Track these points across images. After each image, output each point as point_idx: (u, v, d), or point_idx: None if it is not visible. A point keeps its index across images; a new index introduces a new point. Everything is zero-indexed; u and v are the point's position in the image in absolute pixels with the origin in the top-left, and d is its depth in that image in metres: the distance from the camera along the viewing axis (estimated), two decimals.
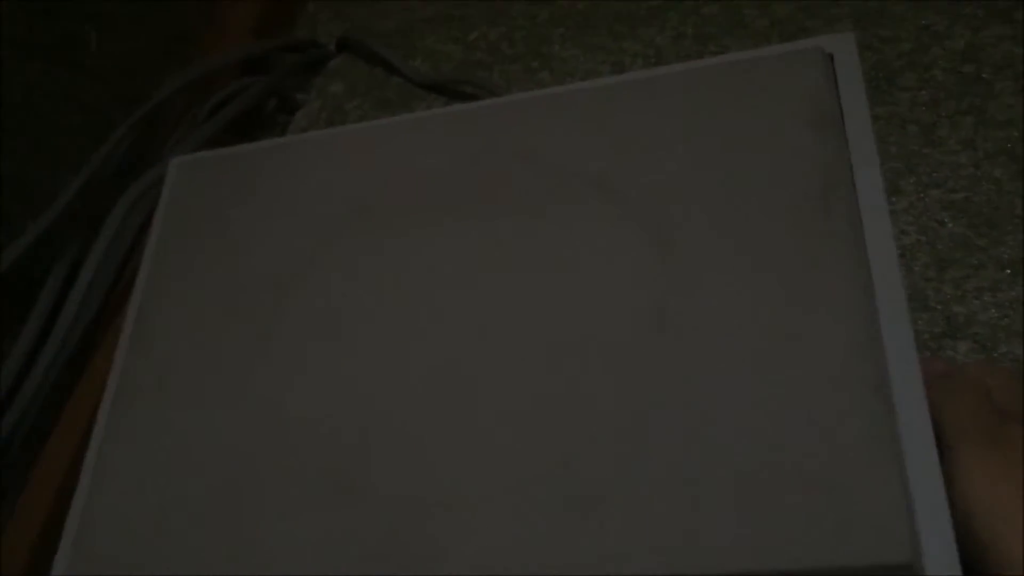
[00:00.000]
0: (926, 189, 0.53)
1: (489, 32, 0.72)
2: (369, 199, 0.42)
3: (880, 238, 0.35)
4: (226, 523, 0.36)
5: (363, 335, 0.39)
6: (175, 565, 0.35)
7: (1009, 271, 0.48)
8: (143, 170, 0.62)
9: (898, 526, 0.29)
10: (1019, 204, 0.50)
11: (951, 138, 0.55)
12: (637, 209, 0.38)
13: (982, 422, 0.33)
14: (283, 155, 0.45)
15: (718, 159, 0.38)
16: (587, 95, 0.42)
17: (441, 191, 0.42)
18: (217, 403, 0.39)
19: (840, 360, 0.32)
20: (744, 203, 0.36)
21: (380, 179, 0.43)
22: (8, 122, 0.57)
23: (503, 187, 0.41)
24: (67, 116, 0.63)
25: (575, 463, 0.33)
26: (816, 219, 0.35)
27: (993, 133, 0.54)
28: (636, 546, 0.31)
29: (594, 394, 0.34)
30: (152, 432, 0.39)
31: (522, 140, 0.42)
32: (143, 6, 0.69)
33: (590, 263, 0.37)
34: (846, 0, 0.62)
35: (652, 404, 0.33)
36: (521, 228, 0.39)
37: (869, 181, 0.35)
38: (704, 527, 0.31)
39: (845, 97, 0.38)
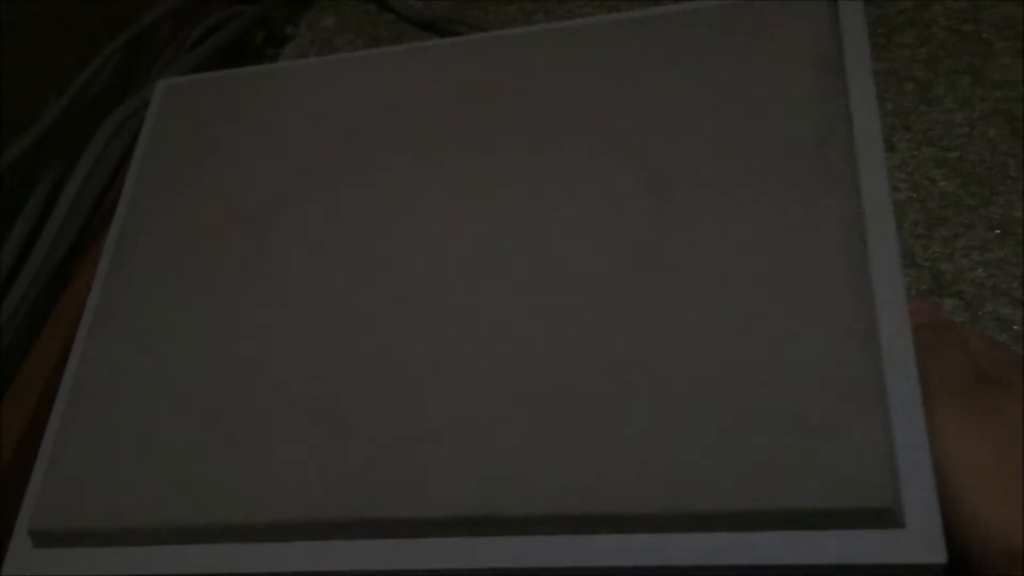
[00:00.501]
0: (920, 146, 0.53)
1: None
2: (359, 128, 0.42)
3: (876, 188, 0.34)
4: (204, 452, 0.35)
5: (349, 265, 0.38)
6: (152, 498, 0.35)
7: (999, 231, 0.48)
8: (129, 94, 0.61)
9: (879, 471, 0.29)
10: (1012, 165, 0.50)
11: (947, 96, 0.54)
12: (631, 149, 0.37)
13: (961, 381, 0.33)
14: (273, 81, 0.44)
15: (716, 101, 0.37)
16: (585, 32, 0.41)
17: (432, 123, 0.41)
18: (198, 329, 0.38)
19: (830, 307, 0.32)
20: (740, 147, 0.36)
21: (371, 108, 0.42)
22: None
23: (495, 121, 0.40)
24: (53, 37, 0.61)
25: (559, 397, 0.33)
26: (812, 166, 0.35)
27: (990, 93, 0.53)
28: (619, 481, 0.31)
29: (581, 330, 0.34)
30: (130, 357, 0.38)
31: (516, 75, 0.41)
32: None
33: (582, 200, 0.37)
34: None
35: (639, 342, 0.33)
36: (512, 163, 0.39)
37: (868, 131, 0.35)
38: (686, 463, 0.31)
39: (847, 45, 0.38)
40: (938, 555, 0.28)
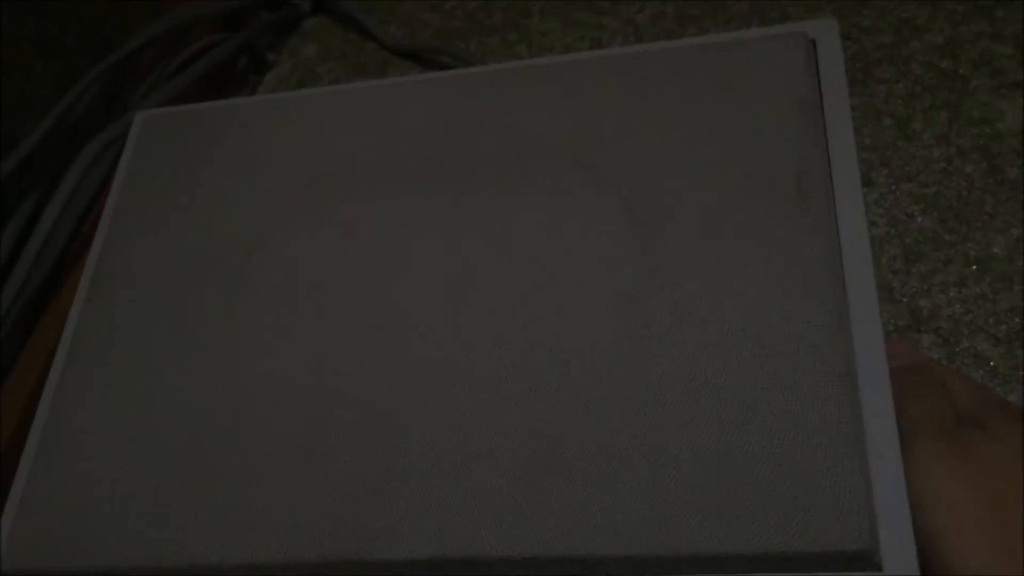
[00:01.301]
0: (898, 182, 0.53)
1: (467, 1, 0.71)
2: (339, 163, 0.41)
3: (854, 228, 0.34)
4: (179, 493, 0.35)
5: (328, 300, 0.38)
6: (125, 538, 0.34)
7: (975, 267, 0.49)
8: (111, 121, 0.61)
9: (857, 514, 0.29)
10: (989, 201, 0.51)
11: (925, 132, 0.55)
12: (612, 187, 0.37)
13: (939, 422, 0.33)
14: (254, 113, 0.44)
15: (695, 141, 0.37)
16: (567, 69, 0.42)
17: (415, 158, 0.41)
18: (174, 364, 0.38)
19: (808, 347, 0.32)
20: (719, 188, 0.36)
21: (352, 143, 0.42)
22: None
23: (477, 158, 0.40)
24: (34, 64, 0.61)
25: (538, 438, 0.33)
26: (791, 206, 0.35)
27: (967, 129, 0.54)
28: (596, 524, 0.31)
29: (560, 371, 0.34)
30: (105, 393, 0.38)
31: (499, 111, 0.41)
32: None
33: (563, 239, 0.37)
34: None
35: (618, 383, 0.33)
36: (493, 200, 0.39)
37: (846, 170, 0.35)
38: (664, 506, 0.31)
39: (826, 85, 0.38)
40: None
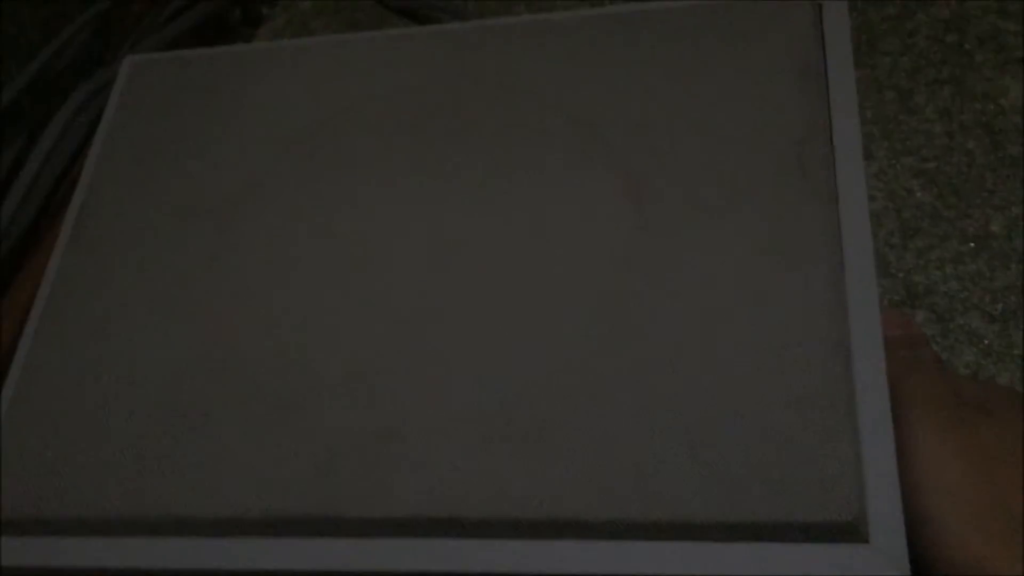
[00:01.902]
0: (898, 156, 0.52)
1: None
2: (331, 116, 0.41)
3: (854, 198, 0.34)
4: (161, 444, 0.34)
5: (314, 256, 0.37)
6: (105, 488, 0.34)
7: (973, 244, 0.48)
8: (97, 71, 0.60)
9: (844, 484, 0.29)
10: (990, 178, 0.50)
11: (928, 106, 0.54)
12: (609, 149, 0.37)
13: (937, 399, 0.32)
14: (245, 62, 0.43)
15: (696, 104, 0.37)
16: (566, 25, 0.41)
17: (409, 114, 0.40)
18: (155, 315, 0.37)
19: (801, 316, 0.32)
20: (718, 152, 0.35)
21: (346, 96, 0.41)
22: None
23: (471, 116, 0.39)
24: (22, 9, 0.60)
25: (528, 400, 0.32)
26: (791, 173, 0.34)
27: (970, 105, 0.53)
28: (584, 488, 0.30)
29: (552, 333, 0.33)
30: (85, 342, 0.37)
31: (496, 67, 0.40)
32: None
33: (557, 201, 0.36)
34: None
35: (609, 347, 0.33)
36: (488, 159, 0.38)
37: (847, 140, 0.35)
38: (652, 471, 0.30)
39: (831, 53, 0.37)
40: (902, 570, 0.28)
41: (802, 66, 0.36)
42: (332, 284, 0.36)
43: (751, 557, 0.29)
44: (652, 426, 0.31)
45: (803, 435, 0.30)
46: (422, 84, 0.40)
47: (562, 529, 0.30)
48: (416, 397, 0.33)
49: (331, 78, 0.42)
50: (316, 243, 0.37)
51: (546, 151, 0.37)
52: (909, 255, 0.49)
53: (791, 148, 0.34)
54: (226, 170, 0.40)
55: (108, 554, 0.33)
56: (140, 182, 0.41)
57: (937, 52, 0.56)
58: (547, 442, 0.31)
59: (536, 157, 0.37)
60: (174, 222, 0.39)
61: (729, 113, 0.36)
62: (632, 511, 0.30)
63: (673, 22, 0.39)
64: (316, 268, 0.37)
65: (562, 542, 0.30)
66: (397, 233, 0.37)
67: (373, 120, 0.40)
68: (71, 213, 0.41)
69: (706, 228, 0.34)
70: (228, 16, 0.71)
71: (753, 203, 0.34)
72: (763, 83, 0.36)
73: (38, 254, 0.54)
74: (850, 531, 0.28)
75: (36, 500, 0.34)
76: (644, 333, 0.32)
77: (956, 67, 0.55)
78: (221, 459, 0.33)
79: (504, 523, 0.31)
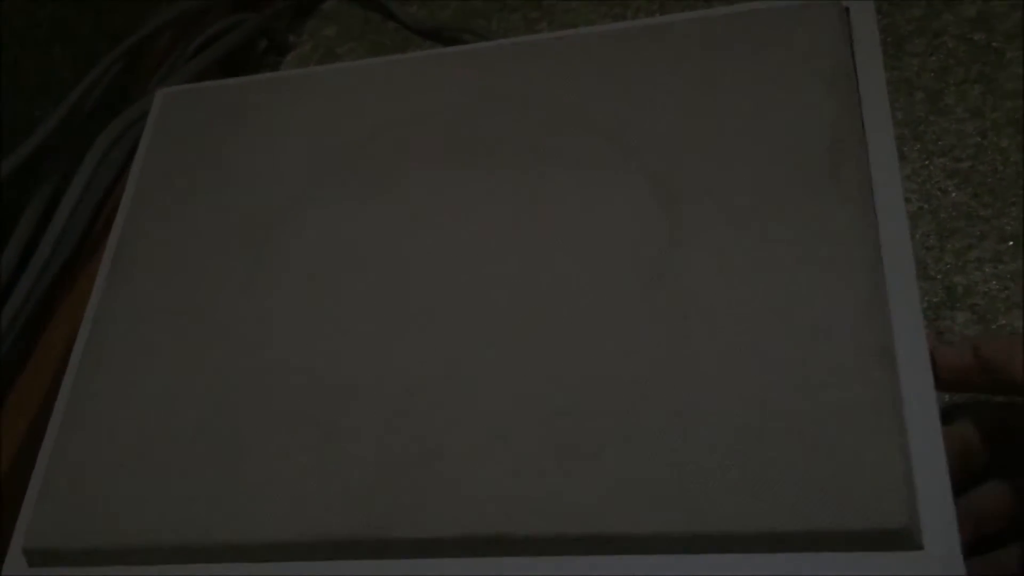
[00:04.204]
0: (931, 157, 0.52)
1: None
2: (361, 139, 0.41)
3: (890, 200, 0.33)
4: (201, 470, 0.34)
5: (351, 279, 0.37)
6: (147, 516, 0.34)
7: (1012, 243, 0.47)
8: (128, 105, 0.60)
9: (896, 491, 0.28)
10: None
11: (958, 106, 0.53)
12: (640, 160, 0.36)
13: None
14: (275, 89, 0.44)
15: (725, 111, 0.36)
16: (593, 41, 0.41)
17: (439, 133, 0.40)
18: (195, 344, 0.37)
19: (844, 323, 0.31)
20: (750, 158, 0.35)
21: (374, 119, 0.41)
22: None
23: (502, 131, 0.39)
24: (50, 48, 0.61)
25: (566, 416, 0.32)
26: (823, 178, 0.34)
27: (1001, 103, 0.52)
28: (628, 503, 0.30)
29: (586, 347, 0.33)
30: (127, 372, 0.37)
31: (524, 84, 0.40)
32: None
33: (589, 214, 0.36)
34: None
35: (648, 360, 0.32)
36: (519, 175, 0.38)
37: (881, 141, 0.34)
38: (697, 482, 0.30)
39: (859, 54, 0.37)
40: None
41: (831, 68, 0.36)
42: (366, 305, 0.36)
43: (801, 567, 0.29)
44: (696, 438, 0.31)
45: (851, 442, 0.29)
46: (451, 105, 0.41)
47: (606, 544, 0.30)
48: (457, 415, 0.33)
49: (360, 102, 0.42)
50: (350, 266, 0.38)
51: (576, 165, 0.37)
52: (947, 256, 0.48)
53: (823, 150, 0.34)
54: (259, 196, 0.40)
55: None
56: (176, 212, 0.41)
57: (965, 51, 0.55)
58: (589, 456, 0.31)
59: (566, 171, 0.37)
60: (210, 249, 0.39)
61: (759, 119, 0.36)
62: (677, 524, 0.30)
63: (698, 31, 0.39)
64: (350, 290, 0.37)
65: (607, 557, 0.30)
66: (432, 253, 0.37)
67: (403, 142, 0.40)
68: (111, 244, 0.41)
69: (739, 236, 0.34)
70: (254, 46, 0.72)
71: (787, 209, 0.34)
72: (792, 87, 0.36)
73: (74, 290, 0.54)
74: (903, 538, 0.28)
75: (78, 531, 0.34)
76: (682, 345, 0.32)
77: (985, 65, 0.54)
78: (264, 484, 0.33)
79: (550, 539, 0.30)
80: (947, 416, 0.33)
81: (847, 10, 0.38)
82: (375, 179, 0.39)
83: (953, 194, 0.50)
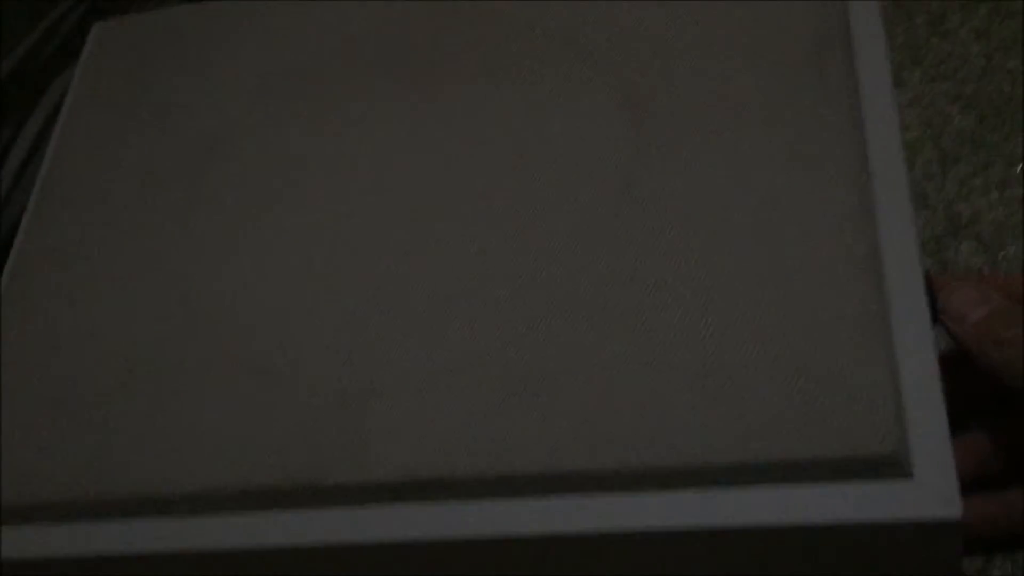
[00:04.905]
0: (932, 81, 0.48)
1: None
2: (303, 61, 0.38)
3: (878, 96, 0.30)
4: (127, 418, 0.31)
5: (290, 209, 0.34)
6: (64, 464, 0.31)
7: (1019, 168, 0.44)
8: None
9: (882, 414, 0.25)
10: None
11: (962, 28, 0.50)
12: (607, 65, 0.33)
13: None
14: (213, 17, 0.40)
15: (700, 10, 0.33)
16: None
17: (391, 52, 0.37)
18: (122, 281, 0.34)
19: (825, 230, 0.28)
20: (724, 56, 0.32)
21: (320, 37, 0.38)
22: None
23: (454, 45, 0.36)
24: None
25: (519, 343, 0.29)
26: (806, 74, 0.30)
27: (1008, 23, 0.49)
28: (582, 437, 0.27)
29: (547, 265, 0.30)
30: (47, 311, 0.34)
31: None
32: None
33: (555, 125, 0.33)
34: None
35: (614, 278, 0.29)
36: (473, 87, 0.35)
37: (868, 32, 0.31)
38: (666, 413, 0.27)
39: None
40: (952, 508, 0.24)
41: None
42: (307, 238, 0.33)
43: (779, 502, 0.25)
44: (659, 362, 0.27)
45: (832, 360, 0.26)
46: (402, 18, 0.37)
47: (563, 484, 0.27)
48: (396, 349, 0.30)
49: (302, 23, 0.39)
50: (291, 196, 0.35)
51: (536, 76, 0.34)
52: (949, 184, 0.45)
53: (806, 45, 0.31)
54: (192, 128, 0.37)
55: (75, 541, 0.31)
56: (106, 147, 0.38)
57: None
58: (542, 388, 0.28)
59: (526, 80, 0.34)
60: (140, 184, 0.37)
61: (734, 12, 0.32)
62: (641, 458, 0.26)
63: None
64: (291, 222, 0.34)
65: (563, 498, 0.27)
66: (380, 175, 0.34)
67: (351, 64, 0.37)
68: (38, 182, 0.38)
69: (712, 140, 0.30)
70: None
71: (764, 108, 0.30)
72: None
73: None
74: (891, 465, 0.25)
75: (2, 484, 0.32)
76: (647, 259, 0.29)
77: None
78: (189, 430, 0.31)
79: (498, 481, 0.27)
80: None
81: None
82: (315, 103, 0.36)
83: (956, 119, 0.47)
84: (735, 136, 0.30)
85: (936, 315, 0.29)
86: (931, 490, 0.24)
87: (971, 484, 0.28)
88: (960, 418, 0.27)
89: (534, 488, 0.27)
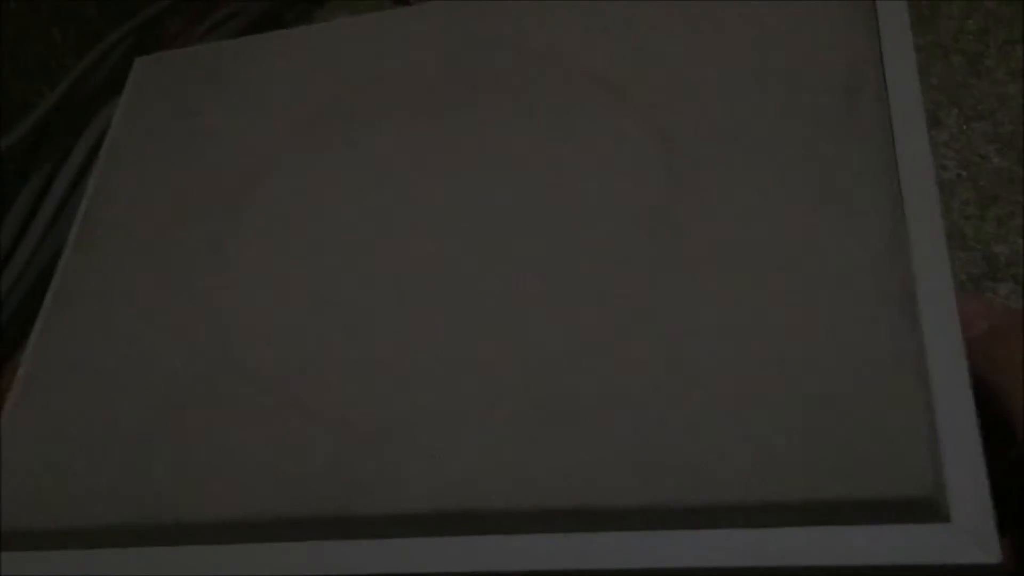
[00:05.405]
0: (969, 122, 0.48)
1: None
2: (339, 95, 0.38)
3: (911, 137, 0.30)
4: (158, 446, 0.32)
5: (323, 241, 0.35)
6: (95, 492, 0.31)
7: None
8: None
9: (918, 454, 0.24)
10: None
11: (999, 68, 0.49)
12: (637, 100, 0.33)
13: None
14: (251, 51, 0.41)
15: (731, 45, 0.33)
16: None
17: (426, 86, 0.37)
18: (157, 311, 0.35)
19: (857, 267, 0.28)
20: (757, 92, 0.32)
21: (361, 73, 0.39)
22: None
23: (493, 83, 0.36)
24: (56, 32, 0.59)
25: (554, 377, 0.29)
26: (837, 108, 0.30)
27: None
28: (617, 472, 0.27)
29: (578, 303, 0.30)
30: (88, 343, 0.35)
31: (512, 31, 0.37)
32: None
33: (585, 161, 0.33)
34: None
35: (646, 313, 0.29)
36: (510, 124, 0.35)
37: (901, 65, 0.31)
38: (695, 449, 0.26)
39: None
40: (990, 553, 0.24)
41: None
42: (341, 270, 0.34)
43: (812, 543, 0.25)
44: (692, 399, 0.27)
45: (866, 400, 0.26)
46: (437, 52, 0.38)
47: (596, 520, 0.27)
48: (426, 381, 0.30)
49: (338, 57, 0.39)
50: (326, 228, 0.35)
51: (568, 109, 0.34)
52: (988, 225, 0.44)
53: (836, 77, 0.31)
54: (231, 159, 0.38)
55: (106, 567, 0.31)
56: (145, 180, 0.39)
57: (1007, 11, 0.51)
58: (574, 422, 0.28)
59: (557, 115, 0.34)
60: (178, 217, 0.37)
61: (764, 45, 0.32)
62: (673, 496, 0.26)
63: None
64: (325, 254, 0.34)
65: (596, 535, 0.27)
66: (413, 207, 0.34)
67: (386, 96, 0.38)
68: (78, 217, 0.39)
69: (741, 175, 0.30)
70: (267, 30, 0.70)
71: (794, 143, 0.30)
72: (802, 10, 0.33)
73: None
74: (927, 508, 0.24)
75: (34, 511, 0.32)
76: (680, 296, 0.29)
77: None
78: (224, 460, 0.31)
79: (529, 515, 0.27)
80: None
81: None
82: (357, 134, 0.37)
83: (995, 160, 0.46)
84: (767, 173, 0.30)
85: None
86: (970, 535, 0.24)
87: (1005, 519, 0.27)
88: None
89: (566, 523, 0.27)
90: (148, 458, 0.32)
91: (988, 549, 0.24)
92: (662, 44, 0.34)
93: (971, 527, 0.24)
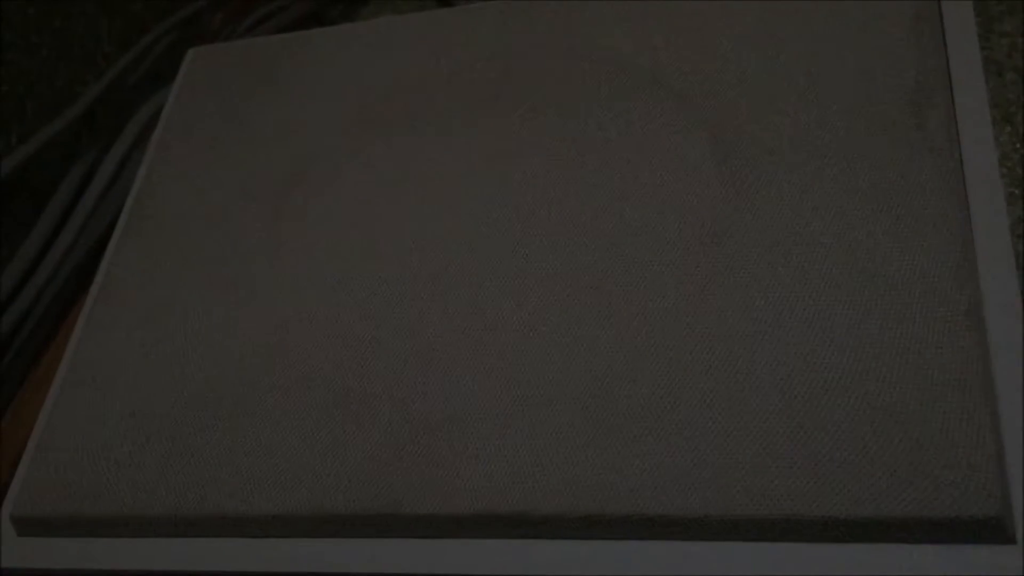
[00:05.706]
0: (1023, 140, 0.47)
1: None
2: (394, 93, 0.38)
3: (979, 148, 0.29)
4: (203, 438, 0.31)
5: (377, 237, 0.34)
6: (145, 486, 0.31)
7: None
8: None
9: (986, 474, 0.24)
10: None
11: None
12: (702, 111, 0.33)
13: None
14: (304, 46, 0.41)
15: (797, 56, 0.33)
16: None
17: (479, 83, 0.37)
18: (206, 302, 0.35)
19: (925, 282, 0.27)
20: (820, 107, 0.31)
21: (411, 70, 0.38)
22: (35, 25, 0.54)
23: (549, 83, 0.36)
24: (99, 24, 0.59)
25: (608, 383, 0.28)
26: (905, 126, 0.30)
27: None
28: (671, 481, 0.26)
29: (634, 310, 0.30)
30: (132, 336, 0.35)
31: (573, 34, 0.37)
32: None
33: (643, 165, 0.33)
34: None
35: (699, 323, 0.29)
36: (567, 129, 0.34)
37: (969, 85, 0.30)
38: (755, 462, 0.26)
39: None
40: None
41: (915, 10, 0.32)
42: (395, 266, 0.33)
43: (876, 561, 0.24)
44: (756, 412, 0.27)
45: (931, 418, 0.25)
46: (491, 50, 0.37)
47: (648, 528, 0.26)
48: (482, 381, 0.30)
49: (387, 51, 0.39)
50: (380, 224, 0.35)
51: (626, 112, 0.34)
52: None
53: (904, 96, 0.30)
54: (282, 153, 0.38)
55: (143, 555, 0.31)
56: (197, 169, 0.39)
57: None
58: (632, 431, 0.27)
59: (616, 118, 0.34)
60: (229, 208, 0.37)
61: (833, 63, 0.32)
62: (732, 508, 0.26)
63: None
64: (379, 249, 0.34)
65: (649, 543, 0.26)
66: (470, 209, 0.34)
67: (437, 87, 0.37)
68: (129, 203, 0.39)
69: (808, 190, 0.30)
70: (306, 29, 0.70)
71: (861, 159, 0.30)
72: (870, 30, 0.32)
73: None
74: (993, 529, 0.24)
75: (67, 499, 0.32)
76: (743, 308, 0.28)
77: None
78: (267, 452, 0.30)
79: (581, 520, 0.27)
80: None
81: None
82: (405, 135, 0.37)
83: None
84: (832, 186, 0.30)
85: None
86: None
87: None
88: None
89: (616, 530, 0.27)
90: (194, 448, 0.31)
91: None
92: (727, 51, 0.34)
93: None
